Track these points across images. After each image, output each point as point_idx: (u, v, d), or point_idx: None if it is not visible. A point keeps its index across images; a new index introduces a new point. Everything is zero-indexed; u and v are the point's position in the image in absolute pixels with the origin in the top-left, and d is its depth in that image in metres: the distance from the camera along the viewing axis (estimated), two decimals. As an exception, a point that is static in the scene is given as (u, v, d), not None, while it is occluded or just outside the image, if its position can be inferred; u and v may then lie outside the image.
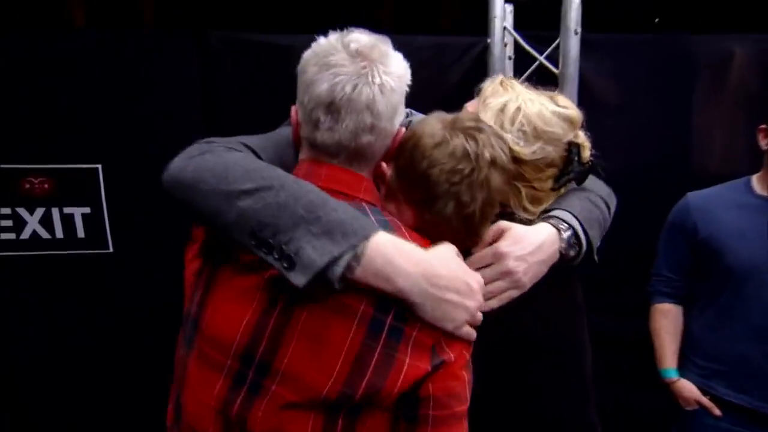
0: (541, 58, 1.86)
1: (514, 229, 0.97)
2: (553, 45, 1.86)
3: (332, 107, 0.85)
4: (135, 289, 2.00)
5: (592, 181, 1.15)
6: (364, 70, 0.85)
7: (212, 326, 0.85)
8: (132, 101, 1.90)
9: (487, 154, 0.90)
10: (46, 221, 1.95)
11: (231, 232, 0.79)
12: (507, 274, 0.94)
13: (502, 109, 1.04)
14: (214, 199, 0.80)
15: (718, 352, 1.65)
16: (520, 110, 1.03)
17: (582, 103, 1.88)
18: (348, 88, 0.84)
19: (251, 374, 0.82)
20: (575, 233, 1.01)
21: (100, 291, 2.00)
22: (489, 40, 1.87)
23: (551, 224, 1.00)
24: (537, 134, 1.03)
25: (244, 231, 0.78)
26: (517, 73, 1.94)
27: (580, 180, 1.09)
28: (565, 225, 1.01)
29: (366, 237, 0.78)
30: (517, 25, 1.93)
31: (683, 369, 1.73)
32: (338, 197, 0.84)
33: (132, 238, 1.98)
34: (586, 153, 1.09)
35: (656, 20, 4.33)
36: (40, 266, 1.96)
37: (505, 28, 1.84)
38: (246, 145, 0.91)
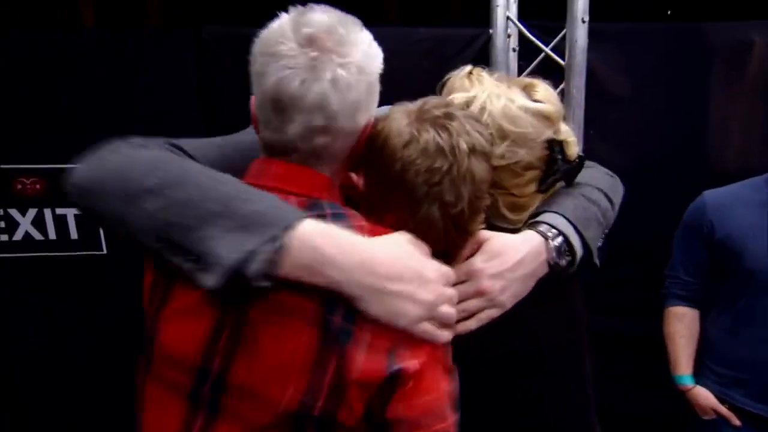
0: (547, 50, 1.77)
1: (493, 241, 0.88)
2: (560, 35, 1.77)
3: (279, 106, 0.75)
4: (129, 291, 1.94)
5: (592, 172, 1.05)
6: (314, 62, 0.73)
7: (166, 344, 0.77)
8: (127, 101, 1.85)
9: (463, 144, 0.80)
10: (39, 222, 1.92)
11: (138, 236, 0.71)
12: (481, 293, 0.85)
13: (465, 106, 0.93)
14: (115, 202, 0.71)
15: (736, 358, 1.56)
16: (485, 109, 0.93)
17: (590, 95, 1.82)
18: (294, 85, 0.73)
19: (207, 392, 0.74)
20: (567, 240, 0.91)
21: (94, 293, 1.96)
22: (491, 31, 1.79)
23: (538, 232, 0.90)
24: (503, 135, 0.93)
25: (151, 234, 0.70)
26: (522, 65, 1.86)
27: (569, 179, 0.99)
28: (555, 231, 0.91)
29: (288, 227, 0.69)
30: (522, 16, 1.85)
31: (699, 376, 1.64)
32: (289, 198, 0.76)
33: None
34: (573, 149, 0.99)
35: (668, 12, 4.21)
36: (34, 268, 1.93)
37: (508, 18, 1.76)
38: (174, 145, 0.82)
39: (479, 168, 0.82)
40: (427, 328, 0.73)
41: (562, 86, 1.62)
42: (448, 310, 0.75)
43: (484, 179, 0.83)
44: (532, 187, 0.97)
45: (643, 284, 1.87)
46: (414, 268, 0.74)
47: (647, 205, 1.83)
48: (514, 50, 1.83)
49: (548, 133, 0.95)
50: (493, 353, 0.90)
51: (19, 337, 1.96)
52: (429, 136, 0.80)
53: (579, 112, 1.57)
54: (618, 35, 1.93)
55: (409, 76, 1.39)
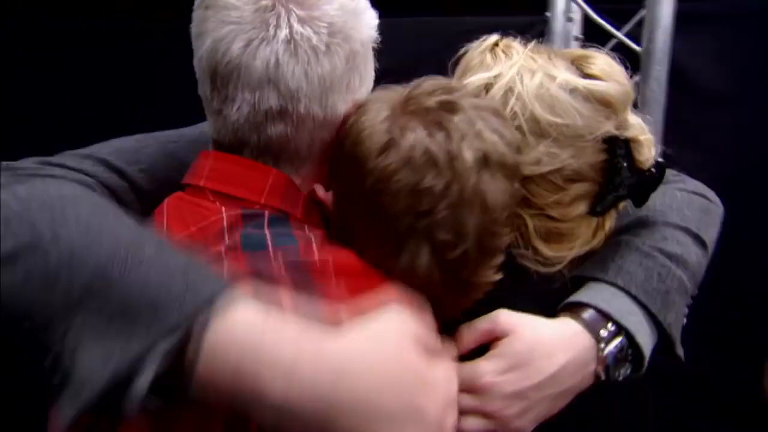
0: (620, 35, 1.46)
1: (517, 337, 0.59)
2: (636, 17, 1.46)
3: (216, 78, 0.56)
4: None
5: (673, 192, 0.75)
6: (266, 14, 0.54)
7: None
8: (141, 99, 1.70)
9: (468, 153, 0.53)
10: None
11: None
12: (489, 415, 0.57)
13: (484, 93, 0.66)
14: None
15: None
16: (513, 91, 0.64)
17: (675, 92, 1.50)
18: (236, 48, 0.54)
19: None
20: (629, 339, 0.61)
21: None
22: (548, 15, 1.50)
23: (588, 326, 0.61)
24: (538, 129, 0.64)
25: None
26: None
27: (640, 197, 0.69)
28: (613, 329, 0.60)
29: (202, 307, 0.43)
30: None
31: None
32: (230, 204, 0.57)
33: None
34: (646, 152, 0.68)
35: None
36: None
37: (570, -1, 1.46)
38: (91, 157, 0.62)
39: (495, 189, 0.55)
40: None
41: (637, 78, 1.31)
42: None
43: (503, 206, 0.56)
44: (581, 208, 0.68)
45: (742, 329, 1.52)
46: (415, 407, 0.46)
47: (748, 229, 1.47)
48: (576, 39, 1.53)
49: (607, 127, 0.65)
50: None
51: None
52: (415, 138, 0.54)
53: (658, 109, 1.25)
54: (710, 18, 1.58)
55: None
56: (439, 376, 0.49)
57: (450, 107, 0.56)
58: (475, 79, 0.68)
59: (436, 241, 0.54)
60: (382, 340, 0.47)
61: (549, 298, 0.66)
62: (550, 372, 0.58)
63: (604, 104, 0.65)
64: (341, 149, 0.60)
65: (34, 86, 1.63)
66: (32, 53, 1.63)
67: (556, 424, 0.60)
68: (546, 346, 0.59)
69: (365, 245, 0.58)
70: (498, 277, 0.60)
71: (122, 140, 0.70)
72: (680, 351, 0.65)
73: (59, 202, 0.48)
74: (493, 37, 0.73)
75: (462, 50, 0.74)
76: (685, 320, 0.68)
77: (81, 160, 0.63)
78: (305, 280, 0.51)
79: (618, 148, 0.66)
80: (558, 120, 0.64)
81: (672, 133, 1.43)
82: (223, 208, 0.57)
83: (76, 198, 0.50)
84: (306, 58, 0.54)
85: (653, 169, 0.68)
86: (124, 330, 0.42)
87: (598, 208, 0.69)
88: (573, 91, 0.65)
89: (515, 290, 0.67)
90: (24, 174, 0.56)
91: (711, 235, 0.74)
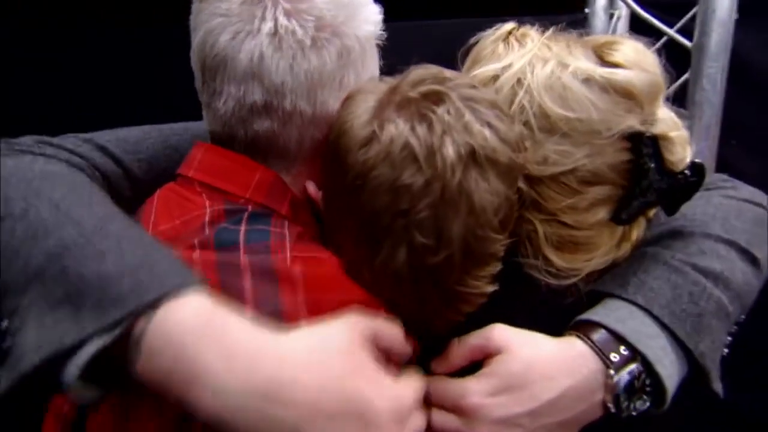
0: (672, 32, 1.34)
1: (511, 356, 0.51)
2: (690, 13, 1.34)
3: (205, 70, 0.56)
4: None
5: (720, 199, 0.64)
6: (253, 7, 0.53)
7: None
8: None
9: (450, 147, 0.48)
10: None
11: None
12: None
13: (492, 85, 0.59)
14: None
15: None
16: (521, 84, 0.57)
17: (735, 91, 1.36)
18: (222, 40, 0.53)
19: None
20: (647, 367, 0.52)
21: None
22: (588, 11, 1.40)
23: (594, 348, 0.52)
24: (550, 125, 0.56)
25: None
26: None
27: (673, 204, 0.59)
28: (624, 351, 0.52)
29: (145, 307, 0.42)
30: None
31: None
32: (215, 197, 0.56)
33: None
34: (678, 150, 0.58)
35: None
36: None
37: (614, -8, 1.36)
38: (92, 142, 0.62)
39: (484, 189, 0.49)
40: None
41: (686, 75, 1.19)
42: None
43: (495, 208, 0.50)
44: (600, 214, 0.59)
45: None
46: (358, 403, 0.43)
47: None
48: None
49: (629, 122, 0.56)
50: None
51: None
52: (396, 131, 0.49)
53: (710, 110, 1.12)
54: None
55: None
56: (393, 383, 0.45)
57: (436, 97, 0.51)
58: (483, 71, 0.61)
59: (415, 244, 0.49)
60: (329, 341, 0.44)
61: (558, 315, 0.58)
62: (548, 398, 0.50)
63: (625, 95, 0.57)
64: (328, 143, 0.56)
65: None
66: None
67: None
68: (545, 368, 0.51)
69: (343, 243, 0.54)
70: (492, 288, 0.53)
71: (128, 129, 0.70)
72: (718, 386, 0.55)
73: (39, 179, 0.50)
74: (509, 25, 0.66)
75: (473, 39, 0.68)
76: (726, 350, 0.57)
77: (80, 143, 0.63)
78: (269, 282, 0.49)
79: (644, 146, 0.57)
80: (569, 114, 0.56)
81: (731, 137, 1.30)
82: (208, 203, 0.56)
83: (55, 177, 0.51)
84: (291, 52, 0.53)
85: (687, 172, 0.58)
86: (66, 318, 0.42)
87: (622, 215, 0.60)
88: (588, 80, 0.57)
89: (519, 304, 0.59)
90: (19, 149, 0.57)
91: (765, 251, 0.63)
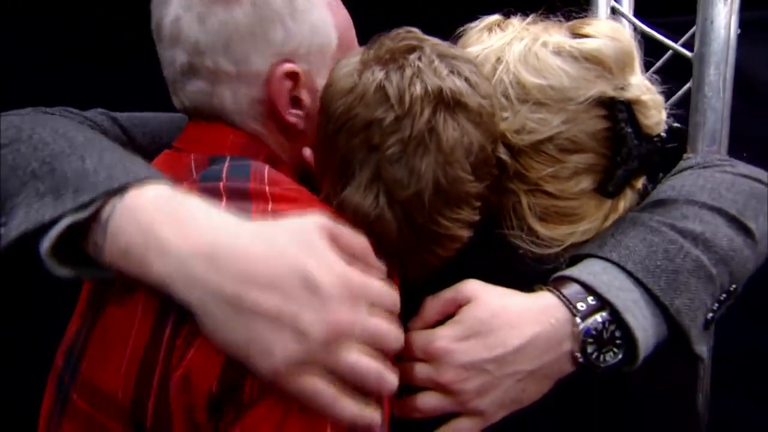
0: (677, 46, 1.35)
1: (480, 302, 0.53)
2: (693, 29, 1.35)
3: (156, 43, 0.62)
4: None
5: (712, 173, 0.64)
6: None
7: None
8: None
9: (417, 88, 0.51)
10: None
11: None
12: (444, 388, 0.51)
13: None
14: None
15: None
16: (501, 61, 0.61)
17: (741, 104, 1.36)
18: (157, 10, 0.59)
19: (65, 385, 0.58)
20: (616, 315, 0.52)
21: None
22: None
23: (562, 298, 0.53)
24: (526, 93, 0.59)
25: None
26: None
27: (653, 169, 0.61)
28: (592, 301, 0.52)
29: (113, 191, 0.48)
30: (639, 12, 1.46)
31: None
32: (201, 156, 0.59)
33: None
34: (653, 114, 0.60)
35: None
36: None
37: (614, 10, 1.38)
38: (107, 115, 0.70)
39: (453, 129, 0.52)
40: (315, 387, 0.41)
41: (688, 85, 1.20)
42: (363, 362, 0.42)
43: (466, 150, 0.52)
44: (583, 183, 0.61)
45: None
46: (301, 270, 0.43)
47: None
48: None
49: (600, 87, 0.59)
50: None
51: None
52: (372, 77, 0.54)
53: (713, 116, 1.12)
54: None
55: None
56: (344, 264, 0.45)
57: (409, 49, 0.55)
58: (468, 53, 0.65)
59: (387, 178, 0.52)
60: (284, 223, 0.46)
61: (539, 279, 0.58)
62: (514, 345, 0.50)
63: (595, 62, 0.60)
64: (320, 100, 0.60)
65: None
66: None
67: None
68: (512, 316, 0.51)
69: (328, 189, 0.57)
70: (467, 234, 0.56)
71: (141, 113, 0.77)
72: (700, 348, 0.54)
73: (51, 120, 0.59)
74: (494, 17, 0.70)
75: (459, 30, 0.71)
76: (711, 315, 0.56)
77: (96, 114, 0.70)
78: (242, 200, 0.51)
79: (618, 111, 0.59)
80: (542, 81, 0.60)
81: (738, 149, 1.29)
82: (193, 156, 0.60)
83: (64, 120, 0.61)
84: (197, 9, 0.56)
85: (665, 134, 0.59)
86: (48, 203, 0.48)
87: (609, 187, 0.61)
88: (559, 51, 0.61)
89: (501, 270, 0.60)
90: (24, 113, 0.64)
91: (762, 223, 0.62)
